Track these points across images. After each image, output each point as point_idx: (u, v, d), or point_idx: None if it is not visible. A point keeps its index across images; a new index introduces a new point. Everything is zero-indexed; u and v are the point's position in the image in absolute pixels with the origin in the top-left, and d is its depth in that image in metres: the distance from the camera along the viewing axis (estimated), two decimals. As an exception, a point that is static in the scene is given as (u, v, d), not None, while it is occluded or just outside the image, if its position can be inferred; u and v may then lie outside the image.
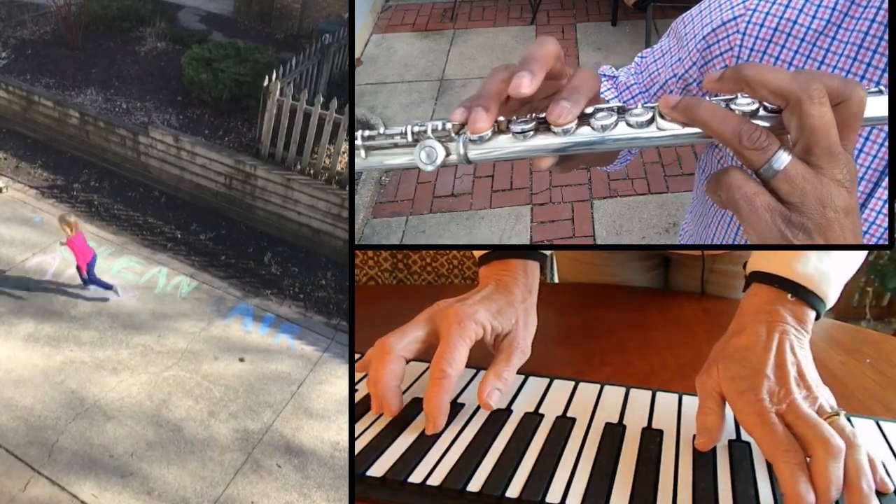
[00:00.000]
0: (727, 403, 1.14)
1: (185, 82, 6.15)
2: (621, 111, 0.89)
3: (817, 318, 1.26)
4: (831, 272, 1.27)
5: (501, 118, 0.92)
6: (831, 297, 1.28)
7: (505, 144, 0.92)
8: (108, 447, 3.62)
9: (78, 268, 4.53)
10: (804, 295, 1.24)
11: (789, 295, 1.24)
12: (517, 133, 0.91)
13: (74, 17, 6.92)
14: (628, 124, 0.89)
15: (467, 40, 6.24)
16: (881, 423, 1.25)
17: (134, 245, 5.22)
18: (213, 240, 5.45)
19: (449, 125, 0.93)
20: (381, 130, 0.96)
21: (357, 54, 6.10)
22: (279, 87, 5.21)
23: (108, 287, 4.54)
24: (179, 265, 5.09)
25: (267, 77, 5.29)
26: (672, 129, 0.87)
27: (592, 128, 0.89)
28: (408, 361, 1.27)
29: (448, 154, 0.93)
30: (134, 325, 4.44)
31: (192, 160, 5.59)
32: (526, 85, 0.87)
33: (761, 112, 0.85)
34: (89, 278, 4.54)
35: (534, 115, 0.93)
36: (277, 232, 5.56)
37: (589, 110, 0.90)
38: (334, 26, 6.82)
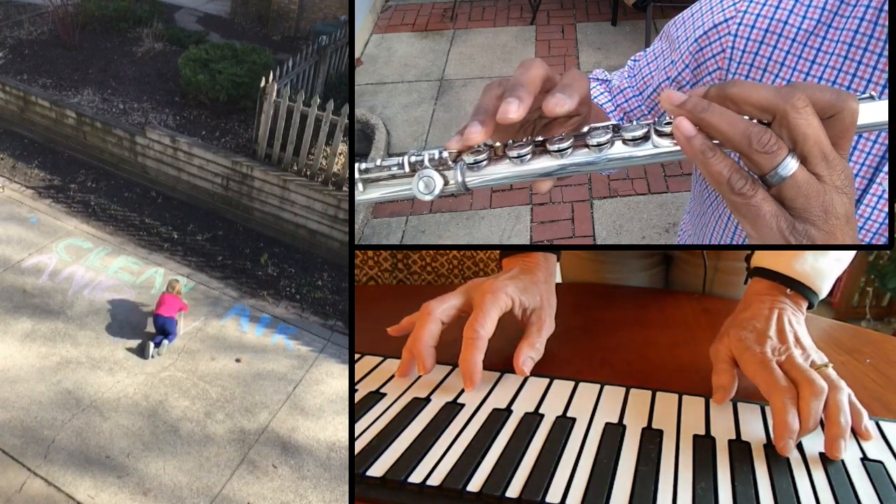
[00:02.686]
0: (737, 363, 1.31)
1: (181, 83, 6.14)
2: (616, 129, 0.89)
3: (810, 306, 1.45)
4: (825, 269, 1.45)
5: (498, 143, 0.92)
6: (824, 290, 1.47)
7: (503, 170, 0.92)
8: (105, 447, 3.61)
9: (157, 316, 4.34)
10: (801, 290, 1.43)
11: (788, 290, 1.43)
12: (514, 158, 0.91)
13: (71, 18, 6.90)
14: (624, 142, 0.88)
15: (467, 40, 6.25)
16: (881, 423, 1.25)
17: (131, 245, 5.20)
18: (210, 240, 5.44)
19: (446, 153, 0.93)
20: (378, 162, 0.96)
21: (357, 54, 6.10)
22: (276, 88, 5.20)
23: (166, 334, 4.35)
24: (176, 265, 5.08)
25: (264, 78, 5.28)
26: (668, 144, 0.87)
27: (589, 147, 0.89)
28: (444, 325, 1.40)
29: (446, 183, 0.93)
30: (130, 326, 4.43)
31: (189, 161, 5.58)
32: (513, 111, 0.88)
33: None
34: (157, 326, 4.35)
35: (530, 137, 0.93)
36: (274, 233, 5.55)
37: (584, 130, 0.90)
38: (331, 28, 6.82)
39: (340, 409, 4.10)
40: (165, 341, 4.28)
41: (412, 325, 1.42)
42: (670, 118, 0.87)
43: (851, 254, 1.52)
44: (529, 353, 1.40)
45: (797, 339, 1.31)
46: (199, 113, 6.07)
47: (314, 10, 8.07)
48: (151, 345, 4.23)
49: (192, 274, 5.02)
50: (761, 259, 1.49)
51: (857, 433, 1.19)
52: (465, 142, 0.90)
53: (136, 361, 4.17)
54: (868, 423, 1.21)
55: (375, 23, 6.62)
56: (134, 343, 4.30)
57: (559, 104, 0.88)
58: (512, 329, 1.46)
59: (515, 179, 0.92)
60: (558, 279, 2.40)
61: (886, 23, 1.17)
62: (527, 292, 1.47)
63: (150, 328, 4.43)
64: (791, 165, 0.80)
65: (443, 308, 1.41)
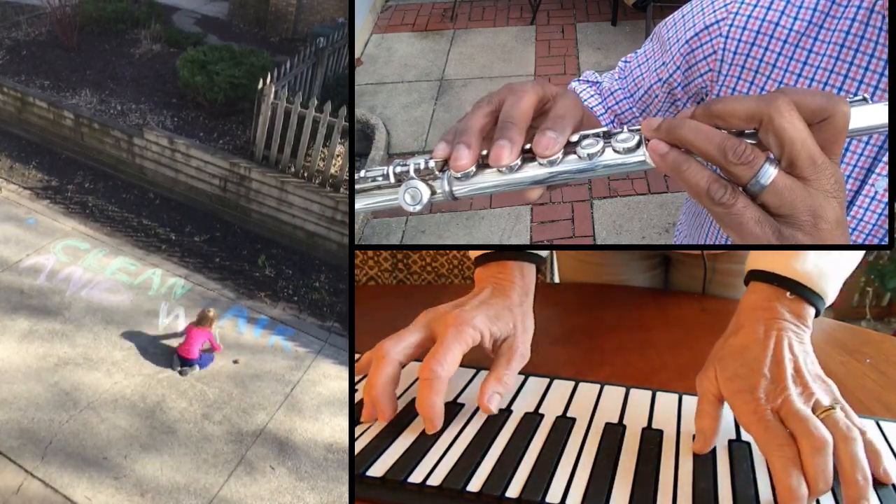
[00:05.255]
0: (726, 403, 1.14)
1: (180, 84, 6.14)
2: (607, 137, 0.88)
3: (817, 314, 1.27)
4: (829, 270, 1.27)
5: (486, 151, 0.90)
6: (830, 294, 1.28)
7: (491, 179, 0.90)
8: (102, 448, 3.60)
9: (180, 354, 4.22)
10: (802, 292, 1.25)
11: (788, 293, 1.24)
12: (502, 167, 0.90)
13: (69, 19, 6.90)
14: (615, 150, 0.87)
15: (467, 40, 6.25)
16: (881, 423, 1.25)
17: (128, 247, 5.20)
18: (208, 242, 5.43)
19: (432, 163, 0.91)
20: (363, 173, 0.94)
21: (357, 54, 6.10)
22: (274, 90, 5.20)
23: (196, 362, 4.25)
24: (174, 267, 5.07)
25: (261, 80, 5.28)
26: None
27: (579, 156, 0.88)
28: (403, 366, 1.26)
29: (433, 193, 0.91)
30: (128, 327, 4.43)
31: (187, 162, 5.58)
32: (506, 156, 0.87)
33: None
34: (186, 361, 4.23)
35: None
36: (272, 234, 5.54)
37: (574, 138, 0.89)
38: (329, 30, 6.82)
39: (338, 411, 4.10)
40: (197, 367, 4.20)
41: (370, 363, 1.28)
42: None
43: (859, 256, 1.41)
44: (496, 389, 1.23)
45: (797, 373, 1.12)
46: (196, 114, 6.07)
47: (312, 12, 8.08)
48: (178, 366, 4.20)
49: (189, 275, 5.01)
50: (756, 260, 1.33)
51: (876, 477, 1.03)
52: (453, 164, 0.89)
53: (133, 362, 4.16)
54: (887, 466, 1.06)
55: (375, 23, 6.62)
56: (130, 344, 4.29)
57: (549, 146, 0.87)
58: (485, 352, 1.35)
59: (504, 188, 0.91)
60: (557, 280, 2.40)
61: (877, 24, 1.18)
62: (499, 320, 1.31)
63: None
64: (770, 172, 0.78)
65: (399, 348, 1.25)
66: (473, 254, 1.55)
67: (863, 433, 1.04)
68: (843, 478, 0.99)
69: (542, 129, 0.89)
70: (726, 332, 1.26)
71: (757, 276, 1.31)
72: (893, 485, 1.06)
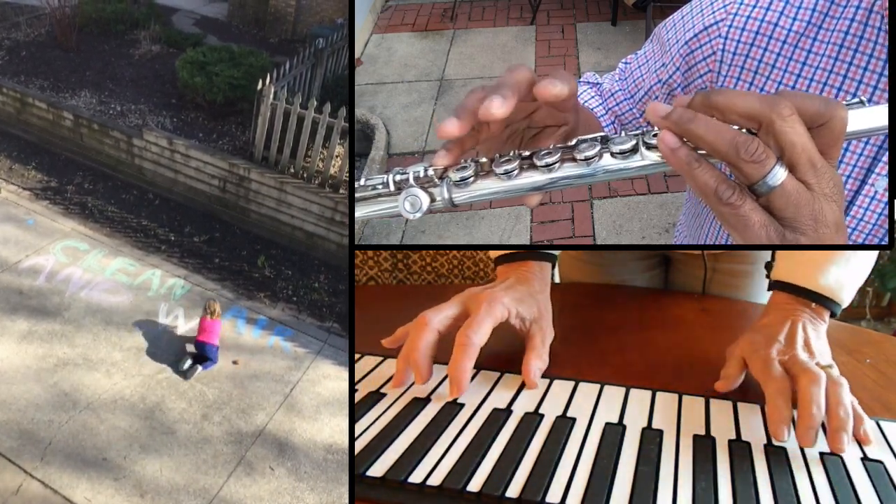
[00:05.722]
0: (747, 364, 1.34)
1: (179, 85, 6.13)
2: (604, 141, 0.88)
3: (832, 315, 1.46)
4: (849, 281, 1.46)
5: (484, 159, 0.91)
6: (846, 301, 1.47)
7: (490, 185, 0.91)
8: (102, 449, 3.59)
9: (197, 343, 4.25)
10: (824, 303, 1.44)
11: (813, 304, 1.43)
12: (501, 174, 0.90)
13: (69, 20, 6.89)
14: (612, 154, 0.87)
15: (467, 40, 6.26)
16: (881, 423, 1.26)
17: (128, 247, 5.19)
18: (207, 242, 5.42)
19: (431, 170, 0.92)
20: (363, 181, 0.95)
21: (357, 54, 6.10)
22: (273, 90, 5.20)
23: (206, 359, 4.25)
24: (173, 267, 5.07)
25: (261, 81, 5.28)
26: (656, 157, 0.85)
27: (576, 160, 0.88)
28: (441, 336, 1.36)
29: (433, 200, 0.92)
30: (128, 328, 4.43)
31: (186, 163, 5.58)
32: (496, 106, 0.87)
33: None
34: (199, 353, 4.25)
35: (516, 152, 0.92)
36: (271, 235, 5.54)
37: (572, 143, 0.89)
38: (328, 31, 6.82)
39: (337, 411, 4.10)
40: (199, 367, 4.18)
41: (406, 336, 1.38)
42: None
43: (872, 263, 1.51)
44: (538, 364, 1.39)
45: (806, 344, 1.32)
46: (196, 115, 6.06)
47: (311, 13, 8.08)
48: (188, 363, 4.17)
49: (188, 276, 5.01)
50: (783, 272, 1.49)
51: (856, 437, 1.19)
52: (441, 134, 0.89)
53: (133, 363, 4.15)
54: (868, 427, 1.20)
55: (375, 23, 6.63)
56: (129, 345, 4.29)
57: (550, 84, 0.89)
58: (513, 330, 1.46)
59: (503, 195, 0.91)
60: (557, 280, 2.41)
61: (876, 23, 1.18)
62: (523, 303, 1.45)
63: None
64: (780, 174, 0.78)
65: (439, 318, 1.37)
66: (494, 255, 1.69)
67: (853, 402, 1.21)
68: (827, 412, 1.16)
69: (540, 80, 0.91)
70: (757, 318, 1.48)
71: (783, 287, 1.48)
72: (883, 464, 1.12)
